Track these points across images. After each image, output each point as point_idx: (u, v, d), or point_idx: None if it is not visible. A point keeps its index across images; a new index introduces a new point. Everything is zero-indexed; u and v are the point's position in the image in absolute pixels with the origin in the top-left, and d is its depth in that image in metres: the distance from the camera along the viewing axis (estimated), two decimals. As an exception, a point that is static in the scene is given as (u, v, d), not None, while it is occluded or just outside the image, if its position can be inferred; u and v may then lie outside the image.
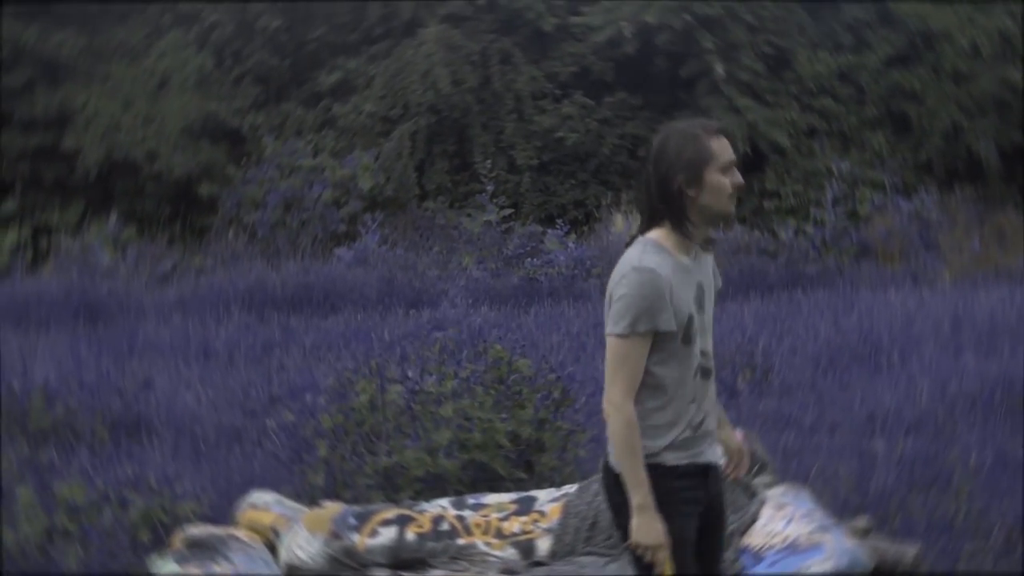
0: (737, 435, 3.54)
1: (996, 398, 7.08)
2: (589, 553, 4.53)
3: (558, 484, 5.21)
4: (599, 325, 3.19)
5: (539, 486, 5.24)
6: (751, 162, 16.08)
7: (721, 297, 3.39)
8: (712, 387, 3.26)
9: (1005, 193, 15.94)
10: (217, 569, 4.40)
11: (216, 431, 7.02)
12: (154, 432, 7.01)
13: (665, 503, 3.10)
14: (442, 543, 4.65)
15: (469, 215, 15.29)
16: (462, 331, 8.93)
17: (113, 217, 15.15)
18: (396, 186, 15.76)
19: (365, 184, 15.32)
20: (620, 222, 14.87)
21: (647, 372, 3.12)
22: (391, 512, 4.80)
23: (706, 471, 3.23)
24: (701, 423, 3.20)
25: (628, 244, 3.21)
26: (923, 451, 6.18)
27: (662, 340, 3.10)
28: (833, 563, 4.19)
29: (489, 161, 15.73)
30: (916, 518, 5.18)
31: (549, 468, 5.56)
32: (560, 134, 16.77)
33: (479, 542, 4.65)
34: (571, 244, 13.97)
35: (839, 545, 4.28)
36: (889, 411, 7.02)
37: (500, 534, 4.67)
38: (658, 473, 3.12)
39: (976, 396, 7.16)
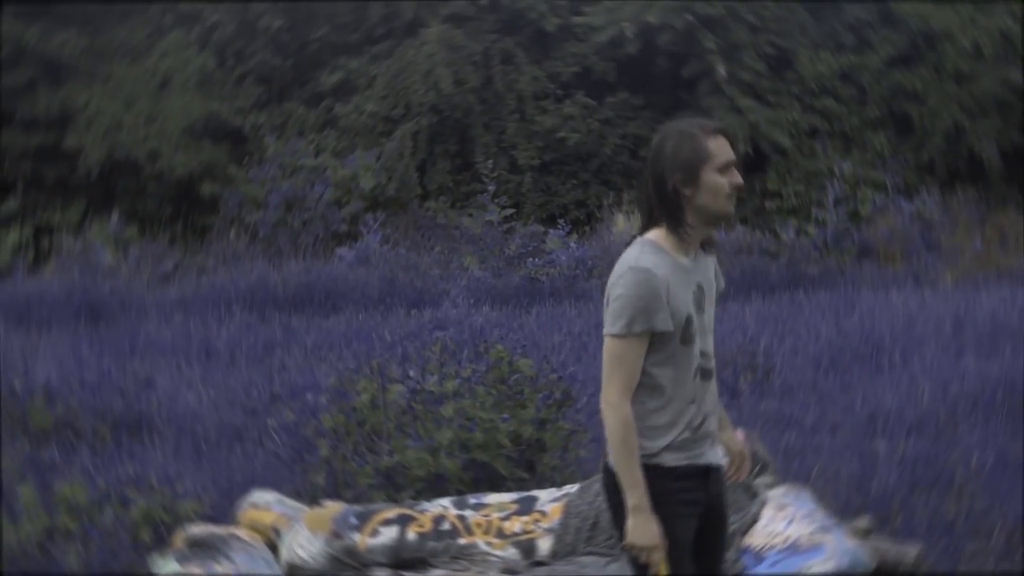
0: (738, 436, 3.53)
1: (998, 399, 7.07)
2: (590, 553, 4.53)
3: (559, 484, 5.21)
4: (600, 325, 3.17)
5: (540, 486, 5.24)
6: (753, 162, 16.09)
7: (722, 297, 3.38)
8: (713, 388, 3.25)
9: (1007, 193, 15.94)
10: (218, 568, 4.40)
11: (217, 430, 7.03)
12: (155, 431, 7.01)
13: (663, 504, 3.09)
14: (443, 543, 4.65)
15: (471, 215, 15.29)
16: (463, 331, 8.93)
17: (115, 217, 15.15)
18: (398, 186, 15.77)
19: (367, 184, 15.32)
20: (622, 222, 14.87)
21: (645, 372, 3.11)
22: (392, 512, 4.80)
23: (706, 472, 3.21)
24: (701, 424, 3.18)
25: (629, 244, 3.20)
26: (924, 452, 6.17)
27: (660, 340, 3.09)
28: (834, 563, 4.19)
29: (491, 161, 15.73)
30: (917, 519, 5.18)
31: (550, 468, 5.56)
32: (562, 134, 16.77)
33: (480, 542, 4.65)
34: (573, 244, 13.96)
35: (840, 545, 4.28)
36: (890, 412, 7.01)
37: (501, 534, 4.67)
38: (656, 474, 3.10)
39: (978, 397, 7.15)
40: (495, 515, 4.75)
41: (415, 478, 5.23)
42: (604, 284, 3.19)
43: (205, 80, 16.94)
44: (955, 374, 7.66)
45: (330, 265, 13.49)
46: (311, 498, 5.28)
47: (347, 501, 5.10)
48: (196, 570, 4.39)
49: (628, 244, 3.20)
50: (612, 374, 3.09)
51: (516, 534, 4.67)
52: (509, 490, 5.11)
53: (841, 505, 5.13)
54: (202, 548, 4.51)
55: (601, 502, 4.31)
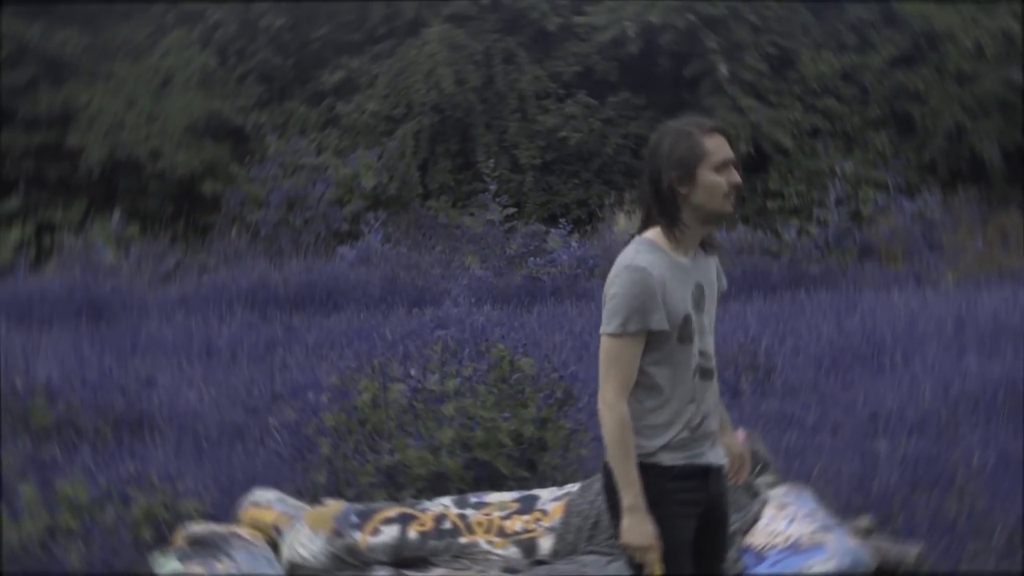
0: (739, 436, 3.52)
1: (999, 399, 7.07)
2: (591, 552, 4.52)
3: (560, 483, 5.21)
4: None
5: (541, 485, 5.24)
6: (754, 162, 16.10)
7: (724, 297, 3.37)
8: (714, 388, 3.22)
9: (1008, 194, 15.94)
10: (219, 567, 4.40)
11: (218, 429, 7.03)
12: (157, 430, 7.01)
13: (660, 504, 3.06)
14: (444, 541, 4.65)
15: (472, 214, 15.30)
16: (465, 330, 8.93)
17: (116, 215, 15.16)
18: (399, 185, 15.78)
19: (368, 183, 15.33)
20: (623, 222, 14.88)
21: (642, 372, 3.09)
22: (393, 510, 4.80)
23: (706, 473, 3.18)
24: (700, 423, 3.15)
25: (628, 243, 3.20)
26: (926, 451, 6.17)
27: (656, 340, 3.07)
28: (835, 563, 4.19)
29: (492, 160, 15.74)
30: (919, 518, 5.17)
31: (551, 467, 5.56)
32: (563, 134, 16.78)
33: (481, 541, 4.65)
34: (574, 243, 13.97)
35: (841, 545, 4.27)
36: (892, 411, 7.01)
37: (502, 533, 4.67)
38: (654, 473, 3.08)
39: (979, 397, 7.14)
40: (496, 514, 4.75)
41: (416, 477, 5.23)
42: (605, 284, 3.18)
43: (207, 79, 16.95)
44: (956, 374, 7.65)
45: (331, 264, 13.50)
46: (312, 497, 5.28)
47: (348, 500, 5.10)
48: (197, 568, 4.39)
49: (627, 243, 3.19)
50: (608, 373, 3.08)
51: (517, 533, 4.67)
52: (510, 489, 5.11)
53: (842, 504, 5.13)
54: (203, 546, 4.51)
55: (602, 501, 4.31)
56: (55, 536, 4.99)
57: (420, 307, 11.54)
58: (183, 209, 16.03)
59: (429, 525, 4.70)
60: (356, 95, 17.15)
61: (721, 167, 3.09)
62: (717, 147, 3.09)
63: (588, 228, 15.76)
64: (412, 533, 4.67)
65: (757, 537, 4.45)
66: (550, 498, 4.83)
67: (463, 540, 4.65)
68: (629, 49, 16.94)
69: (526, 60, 17.18)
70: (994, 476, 5.71)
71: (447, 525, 4.70)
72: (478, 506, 4.81)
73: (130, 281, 13.00)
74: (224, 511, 5.13)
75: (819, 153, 16.59)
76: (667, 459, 3.10)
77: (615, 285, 3.06)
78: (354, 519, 4.73)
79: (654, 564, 3.04)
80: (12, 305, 11.48)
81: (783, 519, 4.47)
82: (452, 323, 9.72)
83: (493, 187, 14.86)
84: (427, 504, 4.86)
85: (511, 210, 15.08)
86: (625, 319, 3.03)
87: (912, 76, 16.68)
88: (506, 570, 4.58)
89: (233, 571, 4.40)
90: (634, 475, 3.04)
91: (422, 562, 4.64)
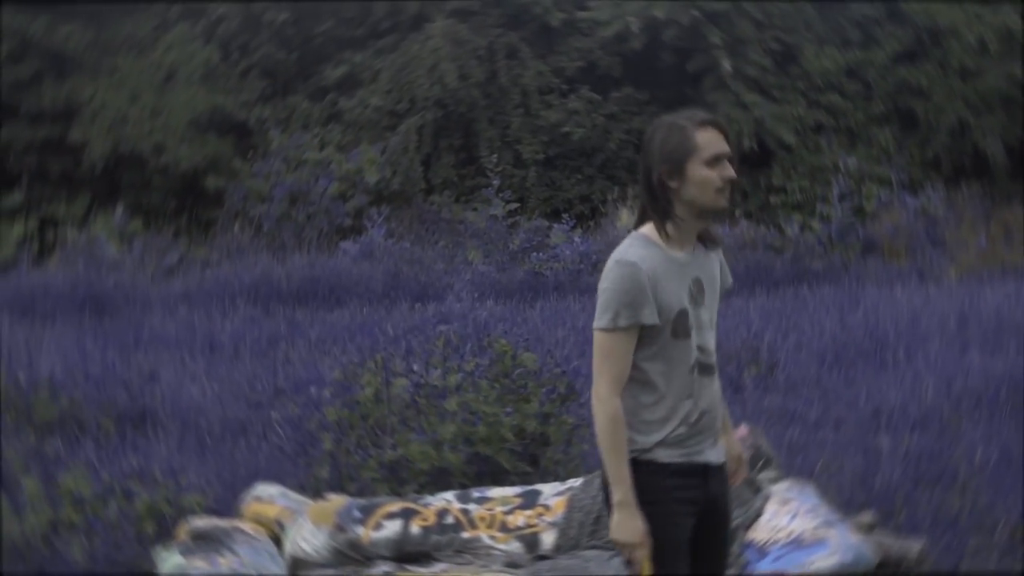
0: (742, 431, 3.52)
1: (1002, 395, 7.07)
2: (593, 547, 4.52)
3: (563, 478, 5.21)
4: (603, 321, 3.16)
5: (544, 480, 5.24)
6: (758, 158, 16.09)
7: (726, 293, 3.35)
8: (715, 385, 3.17)
9: (1012, 190, 15.90)
10: (222, 561, 4.40)
11: (221, 424, 7.03)
12: (159, 425, 7.02)
13: (656, 501, 3.02)
14: (447, 536, 4.66)
15: (475, 209, 15.28)
16: (467, 325, 8.94)
17: (119, 210, 15.17)
18: (402, 180, 15.78)
19: (371, 178, 15.33)
20: (626, 217, 14.86)
21: (636, 367, 3.07)
22: (396, 505, 4.80)
23: (705, 471, 3.12)
24: (698, 420, 3.09)
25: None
26: (928, 447, 6.17)
27: (649, 334, 3.04)
28: (838, 558, 4.19)
29: (495, 155, 15.72)
30: (921, 514, 5.18)
31: (554, 462, 5.56)
32: (566, 129, 16.76)
33: (483, 535, 4.65)
34: (577, 239, 13.96)
35: (844, 540, 4.28)
36: (894, 407, 7.01)
37: (504, 528, 4.68)
38: (650, 470, 3.04)
39: (982, 393, 7.15)
40: (499, 509, 4.75)
41: (419, 472, 5.24)
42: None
43: (210, 74, 16.95)
44: (959, 370, 7.65)
45: (334, 259, 13.51)
46: (315, 491, 5.29)
47: (351, 495, 5.10)
48: (200, 563, 4.40)
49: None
50: (601, 368, 3.08)
51: (520, 528, 4.67)
52: (512, 484, 5.12)
53: (845, 500, 5.13)
54: (206, 541, 4.52)
55: (603, 497, 4.31)
56: (58, 530, 5.00)
57: (423, 302, 11.54)
58: (186, 204, 16.04)
59: (431, 520, 4.70)
60: (359, 90, 17.14)
61: (713, 161, 3.04)
62: (709, 141, 3.05)
63: (591, 223, 15.74)
64: (414, 528, 4.68)
65: (759, 533, 4.45)
66: (552, 493, 4.83)
67: (465, 535, 4.66)
68: (632, 44, 16.92)
69: (529, 55, 17.16)
70: (996, 472, 5.71)
71: (449, 520, 4.71)
72: (480, 501, 4.81)
73: (133, 276, 13.01)
74: (227, 506, 5.14)
75: (822, 149, 16.57)
76: (663, 456, 3.07)
77: (606, 280, 3.06)
78: (357, 514, 4.74)
79: (643, 562, 2.99)
80: (15, 299, 11.50)
81: (785, 515, 4.47)
82: (455, 318, 9.72)
83: (496, 182, 14.84)
84: (429, 499, 4.87)
85: (514, 205, 15.07)
86: (616, 313, 3.02)
87: (915, 72, 16.65)
88: (508, 565, 4.58)
89: (236, 565, 4.41)
90: (625, 471, 3.01)
91: (424, 557, 4.65)
